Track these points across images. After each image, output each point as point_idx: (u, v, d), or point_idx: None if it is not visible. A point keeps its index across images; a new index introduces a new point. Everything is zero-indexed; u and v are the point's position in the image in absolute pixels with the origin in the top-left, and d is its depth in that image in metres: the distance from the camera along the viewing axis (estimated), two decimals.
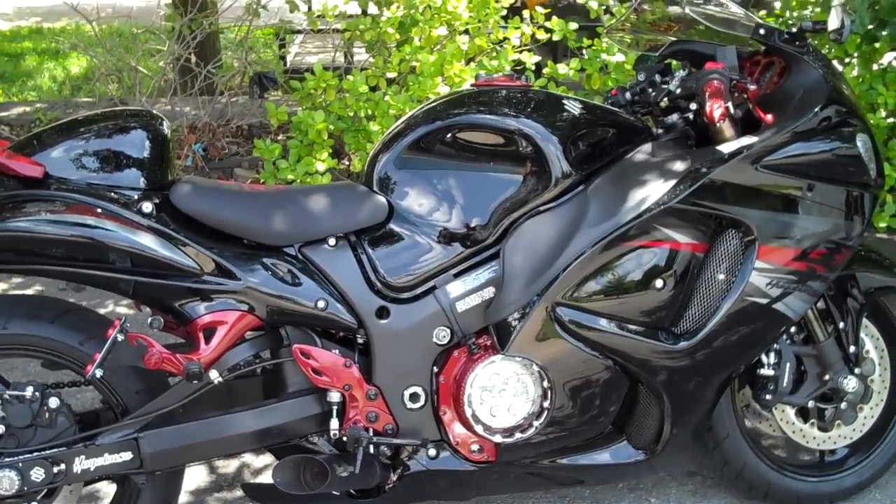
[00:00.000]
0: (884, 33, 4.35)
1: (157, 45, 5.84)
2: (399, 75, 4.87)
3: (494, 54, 4.92)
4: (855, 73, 4.76)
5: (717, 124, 2.55)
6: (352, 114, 4.71)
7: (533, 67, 4.74)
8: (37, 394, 2.42)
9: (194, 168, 5.05)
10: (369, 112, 4.67)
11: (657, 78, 2.82)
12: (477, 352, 2.55)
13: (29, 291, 4.20)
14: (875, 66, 4.79)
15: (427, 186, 2.58)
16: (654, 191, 2.51)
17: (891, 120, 4.72)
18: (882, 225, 4.62)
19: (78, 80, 8.74)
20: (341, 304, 2.52)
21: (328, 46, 8.48)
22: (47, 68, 9.30)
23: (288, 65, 6.97)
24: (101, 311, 3.87)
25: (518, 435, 2.57)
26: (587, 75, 4.69)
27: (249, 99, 5.43)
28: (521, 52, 4.85)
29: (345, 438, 2.53)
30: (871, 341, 2.94)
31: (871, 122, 4.53)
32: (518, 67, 4.79)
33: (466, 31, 4.95)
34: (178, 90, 5.43)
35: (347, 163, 5.23)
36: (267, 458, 3.19)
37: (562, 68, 4.67)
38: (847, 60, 4.88)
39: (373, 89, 4.75)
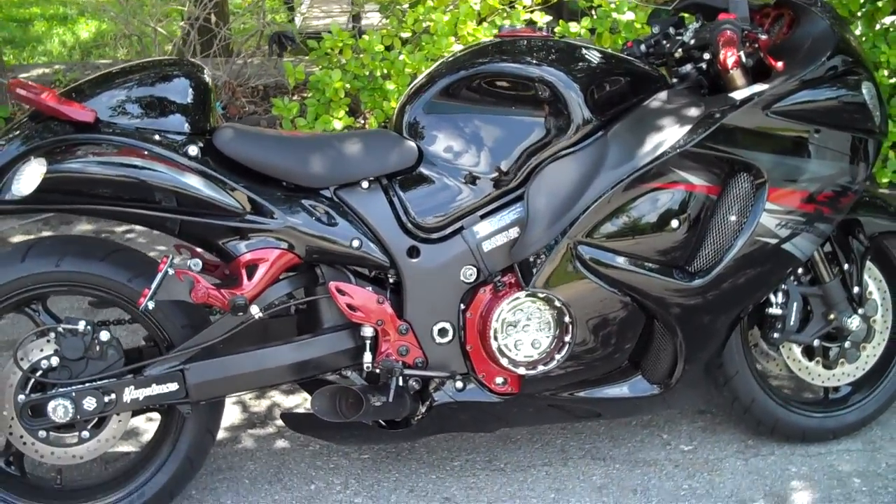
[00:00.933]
0: None
1: (171, 6, 5.93)
2: (413, 35, 4.98)
3: (506, 14, 5.03)
4: (858, 31, 4.87)
5: (730, 72, 2.68)
6: (368, 73, 4.82)
7: (544, 27, 4.84)
8: (88, 327, 2.57)
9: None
10: (385, 71, 4.78)
11: (671, 30, 2.95)
12: (502, 289, 2.69)
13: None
14: (878, 26, 4.90)
15: (454, 132, 2.72)
16: (670, 135, 2.65)
17: (893, 80, 4.83)
18: (884, 180, 4.75)
19: (87, 44, 8.84)
20: (374, 243, 2.66)
21: (335, 10, 8.59)
22: (56, 33, 9.39)
23: (297, 28, 7.07)
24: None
25: (540, 367, 2.72)
26: (597, 34, 4.80)
27: (267, 58, 5.54)
28: (532, 11, 4.96)
29: (377, 371, 2.68)
30: (874, 283, 3.08)
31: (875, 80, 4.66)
32: (529, 27, 4.89)
33: None
34: (196, 51, 5.54)
35: (363, 121, 5.35)
36: (297, 398, 3.35)
37: (573, 27, 4.78)
38: (850, 20, 4.98)
39: (388, 49, 4.86)
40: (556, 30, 4.84)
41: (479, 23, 5.02)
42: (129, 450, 3.05)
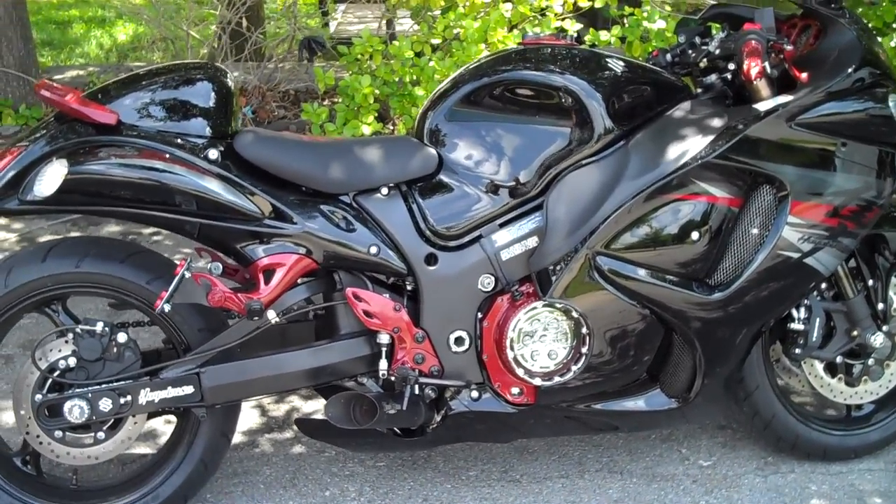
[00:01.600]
0: None
1: (206, 10, 5.98)
2: (443, 41, 4.98)
3: (537, 21, 5.02)
4: (894, 43, 4.81)
5: (754, 83, 2.65)
6: (397, 79, 4.82)
7: (575, 35, 4.81)
8: (106, 329, 2.59)
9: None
10: (414, 77, 4.78)
11: (697, 40, 2.92)
12: (519, 298, 2.68)
13: None
14: None
15: (475, 139, 2.71)
16: (692, 146, 2.62)
17: None
18: None
19: (124, 47, 8.93)
20: (392, 250, 2.66)
21: (368, 17, 8.62)
22: (94, 36, 9.49)
23: (331, 34, 7.10)
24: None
25: (557, 379, 2.70)
26: (628, 43, 4.77)
27: (298, 63, 5.57)
28: (563, 19, 4.94)
29: (393, 378, 2.68)
30: None
31: None
32: (560, 34, 4.88)
33: None
34: (228, 55, 5.57)
35: (392, 127, 5.36)
36: (315, 404, 3.35)
37: (603, 35, 4.75)
38: (886, 31, 4.92)
39: (418, 55, 4.86)
40: (585, 38, 4.82)
41: (510, 30, 5.02)
42: (147, 451, 3.06)
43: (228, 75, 2.71)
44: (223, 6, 5.60)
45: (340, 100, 4.85)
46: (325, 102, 5.49)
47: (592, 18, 5.81)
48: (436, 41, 4.97)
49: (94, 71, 6.19)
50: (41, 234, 4.62)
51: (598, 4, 4.93)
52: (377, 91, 4.78)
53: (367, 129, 4.70)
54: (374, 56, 4.86)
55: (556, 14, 5.02)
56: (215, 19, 5.69)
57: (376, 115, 4.80)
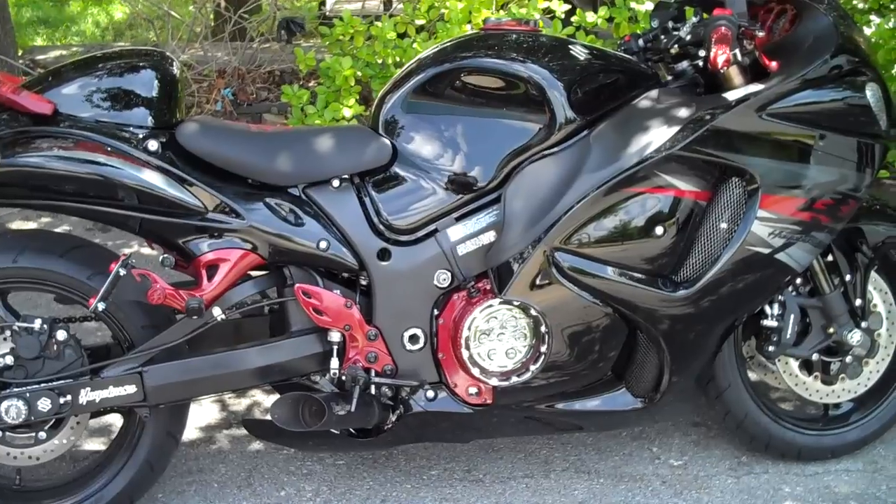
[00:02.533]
0: None
1: None
2: (428, 22, 4.85)
3: (525, 2, 4.88)
4: (891, 24, 4.66)
5: (723, 71, 2.53)
6: (380, 61, 4.71)
7: (562, 15, 4.69)
8: (45, 326, 2.49)
9: (223, 113, 5.10)
10: (397, 59, 4.66)
11: (670, 24, 2.80)
12: (476, 295, 2.58)
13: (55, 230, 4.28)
14: None
15: (431, 130, 2.60)
16: (657, 137, 2.51)
17: None
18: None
19: (121, 25, 8.82)
20: (343, 245, 2.55)
21: None
22: (91, 13, 9.39)
23: (327, 10, 6.98)
24: (127, 250, 3.97)
25: (514, 379, 2.60)
26: (616, 24, 4.64)
27: (279, 44, 5.45)
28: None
29: (344, 378, 2.58)
30: (879, 295, 2.92)
31: None
32: (549, 15, 4.75)
33: None
34: (209, 35, 5.46)
35: None
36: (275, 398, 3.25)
37: (590, 16, 4.62)
38: (884, 12, 4.78)
39: (401, 36, 4.74)
40: (573, 18, 4.69)
41: (499, 10, 4.89)
42: (99, 448, 2.97)
43: (174, 63, 2.60)
44: None
45: (322, 82, 4.74)
46: (309, 84, 5.38)
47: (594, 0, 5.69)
48: (420, 22, 4.85)
49: (77, 51, 6.08)
50: (11, 220, 4.52)
51: None
52: (359, 73, 4.66)
53: (348, 112, 4.59)
54: (356, 37, 4.74)
55: None
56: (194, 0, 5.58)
57: (358, 97, 4.69)
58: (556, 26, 4.43)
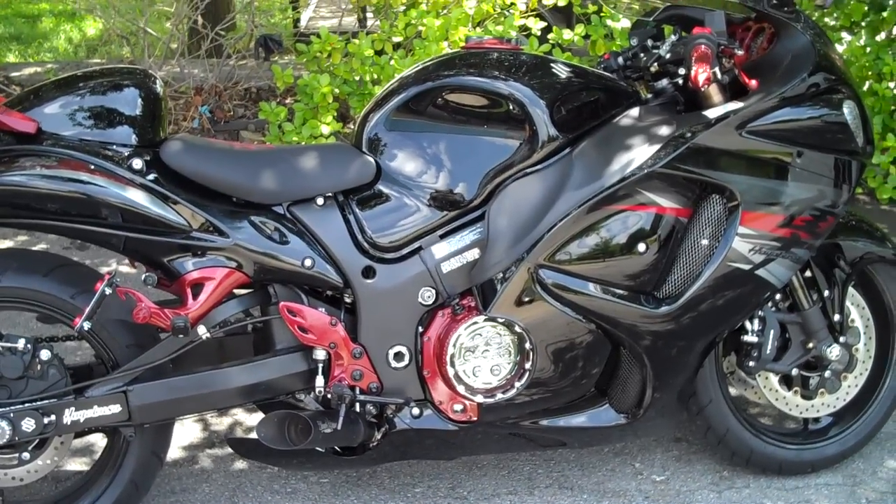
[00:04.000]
0: (891, 2, 4.32)
1: (166, 7, 5.86)
2: (405, 39, 4.87)
3: (501, 19, 4.91)
4: (862, 41, 4.73)
5: (703, 89, 2.56)
6: (357, 78, 4.72)
7: (538, 33, 4.73)
8: (28, 346, 2.48)
9: (200, 130, 5.09)
10: (375, 76, 4.68)
11: (649, 43, 2.83)
12: (460, 312, 2.59)
13: (35, 249, 4.26)
14: (883, 36, 4.75)
15: (415, 148, 2.61)
16: (638, 155, 2.53)
17: None
18: (885, 196, 4.61)
19: (94, 41, 8.78)
20: (328, 262, 2.56)
21: (340, 11, 8.50)
22: (63, 30, 9.35)
23: (302, 27, 6.98)
24: (105, 269, 3.95)
25: (499, 395, 2.61)
26: (592, 41, 4.69)
27: (256, 61, 5.45)
28: (527, 17, 4.84)
29: (329, 396, 2.58)
30: (856, 310, 2.95)
31: (878, 92, 4.53)
32: (525, 33, 4.79)
33: None
34: (186, 52, 5.45)
35: (353, 126, 5.24)
36: (259, 417, 3.23)
37: (566, 34, 4.66)
38: (854, 30, 4.85)
39: (378, 53, 4.76)
40: (549, 36, 4.73)
41: (474, 28, 4.91)
42: (82, 468, 2.95)
43: (157, 81, 2.61)
44: (179, 2, 5.48)
45: (300, 99, 4.75)
46: (287, 101, 5.38)
47: (567, 15, 5.73)
48: (397, 39, 4.87)
49: (52, 69, 6.07)
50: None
51: (561, 3, 4.83)
52: (337, 90, 4.68)
53: (326, 129, 4.60)
54: (333, 54, 4.76)
55: (520, 12, 4.92)
56: (173, 16, 5.57)
57: (336, 114, 4.70)
58: (532, 44, 4.46)
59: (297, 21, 7.38)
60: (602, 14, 4.73)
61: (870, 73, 4.64)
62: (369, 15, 6.31)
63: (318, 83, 4.61)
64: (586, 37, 4.72)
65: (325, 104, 4.66)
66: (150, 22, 5.70)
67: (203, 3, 5.31)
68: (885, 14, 4.64)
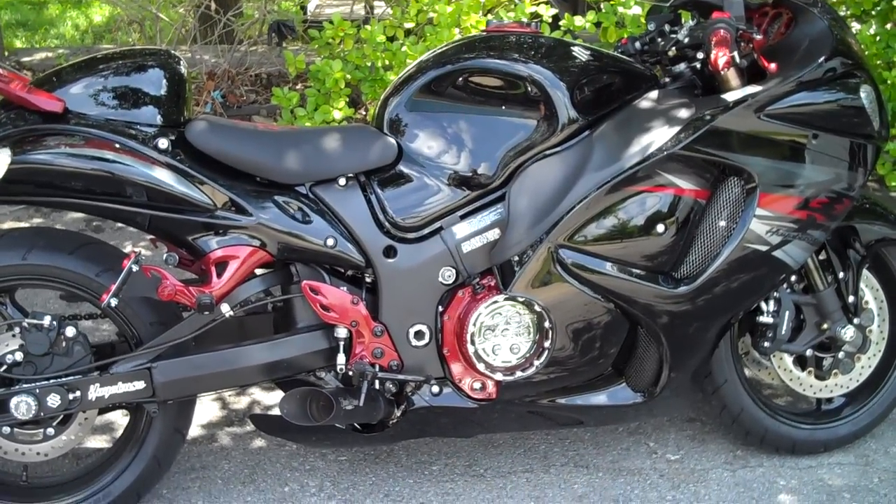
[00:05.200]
0: None
1: None
2: (417, 26, 4.89)
3: (512, 6, 4.93)
4: (872, 30, 4.75)
5: (722, 72, 2.59)
6: (369, 63, 4.74)
7: (549, 20, 4.75)
8: (54, 323, 2.51)
9: (213, 115, 5.11)
10: (387, 62, 4.70)
11: (666, 28, 2.85)
12: (481, 292, 2.62)
13: None
14: (892, 24, 4.78)
15: (436, 129, 2.64)
16: (658, 137, 2.56)
17: None
18: (894, 184, 4.64)
19: (100, 28, 8.80)
20: (350, 242, 2.59)
21: None
22: (70, 16, 9.36)
23: (308, 16, 7.00)
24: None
25: (518, 374, 2.64)
26: (603, 28, 4.70)
27: (268, 47, 5.48)
28: (538, 4, 4.86)
29: (351, 373, 2.61)
30: (870, 292, 2.98)
31: (888, 80, 4.55)
32: (535, 20, 4.81)
33: None
34: (197, 38, 5.48)
35: (364, 112, 5.28)
36: (277, 395, 3.27)
37: (578, 21, 4.68)
38: (864, 19, 4.87)
39: (390, 39, 4.78)
40: (561, 23, 4.75)
41: (485, 15, 4.93)
42: (103, 446, 2.99)
43: (181, 62, 2.63)
44: None
45: (312, 84, 4.77)
46: (298, 87, 5.40)
47: (574, 3, 5.75)
48: (409, 25, 4.89)
49: (63, 53, 6.09)
50: (3, 221, 4.52)
51: None
52: (349, 76, 4.70)
53: (338, 115, 4.62)
54: (345, 40, 4.78)
55: None
56: (184, 1, 5.59)
57: (348, 100, 4.72)
58: (544, 29, 4.48)
59: (304, 8, 7.39)
60: (613, 1, 4.75)
61: (880, 61, 4.66)
62: (380, 3, 6.33)
63: (330, 69, 4.62)
64: (598, 24, 4.74)
65: (337, 90, 4.67)
66: (160, 8, 5.71)
67: None
68: (895, 2, 4.65)
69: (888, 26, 4.75)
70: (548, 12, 4.79)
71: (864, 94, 2.70)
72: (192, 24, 5.48)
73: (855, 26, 4.83)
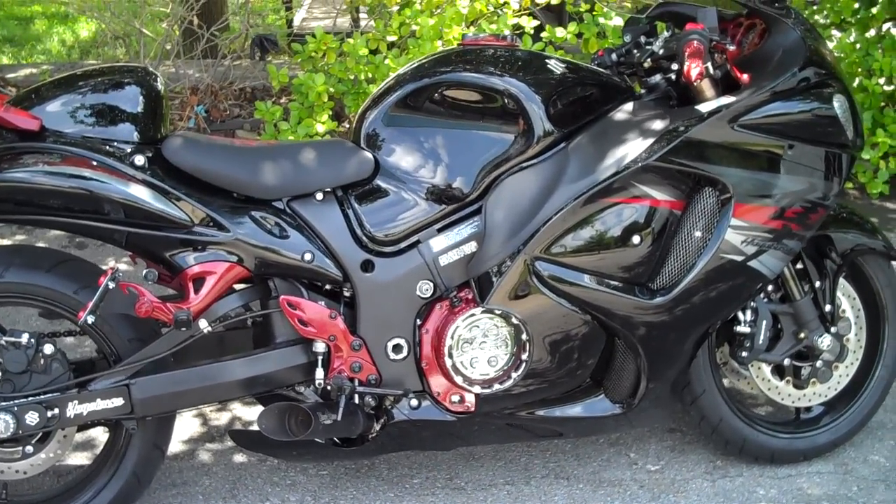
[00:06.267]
0: None
1: (162, 8, 5.90)
2: (399, 39, 4.91)
3: (494, 18, 4.95)
4: (852, 38, 4.78)
5: (696, 83, 2.61)
6: (352, 77, 4.76)
7: (532, 31, 4.78)
8: (32, 340, 2.51)
9: (196, 130, 5.12)
10: (369, 75, 4.72)
11: (642, 39, 2.87)
12: (458, 304, 2.62)
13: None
14: (873, 32, 4.81)
15: (412, 143, 2.65)
16: (633, 148, 2.58)
17: (888, 87, 4.74)
18: (875, 192, 4.67)
19: (87, 43, 8.80)
20: (327, 256, 2.60)
21: (334, 11, 8.55)
22: (56, 32, 9.36)
23: (293, 29, 7.01)
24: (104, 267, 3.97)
25: (497, 386, 2.65)
26: (584, 39, 4.73)
27: (252, 61, 5.49)
28: (520, 15, 4.89)
29: (329, 388, 2.61)
30: (847, 301, 3.00)
31: (868, 88, 4.58)
32: (518, 31, 4.83)
33: None
34: (181, 53, 5.49)
35: (348, 125, 5.29)
36: (257, 410, 3.24)
37: (559, 32, 4.70)
38: (844, 27, 4.90)
39: (373, 52, 4.79)
40: (542, 35, 4.77)
41: (467, 26, 4.96)
42: (82, 463, 2.99)
43: (159, 79, 2.64)
44: (176, 3, 5.52)
45: (295, 98, 4.78)
46: (282, 101, 5.41)
47: (559, 15, 5.77)
48: (391, 38, 4.91)
49: (47, 69, 6.09)
50: None
51: (553, 1, 4.87)
52: (332, 89, 4.71)
53: (321, 128, 4.63)
54: (328, 54, 4.79)
55: (513, 11, 4.96)
56: (168, 16, 5.60)
57: (331, 113, 4.74)
58: (526, 42, 4.50)
59: (290, 22, 7.41)
60: (595, 12, 4.77)
61: (860, 69, 4.70)
62: (363, 15, 6.36)
63: (313, 82, 4.64)
64: (579, 35, 4.76)
65: (320, 103, 4.69)
66: (144, 23, 5.72)
67: (198, 4, 5.34)
68: (874, 11, 4.69)
69: (868, 34, 4.78)
70: (530, 24, 4.81)
71: (838, 103, 2.72)
72: (175, 39, 5.48)
73: (835, 34, 4.87)
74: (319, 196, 2.61)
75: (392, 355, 2.64)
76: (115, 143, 2.50)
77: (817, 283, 2.92)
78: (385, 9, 5.19)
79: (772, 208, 2.66)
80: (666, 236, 2.65)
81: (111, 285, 2.44)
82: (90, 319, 2.44)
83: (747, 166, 2.64)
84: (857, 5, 4.63)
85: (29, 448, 2.57)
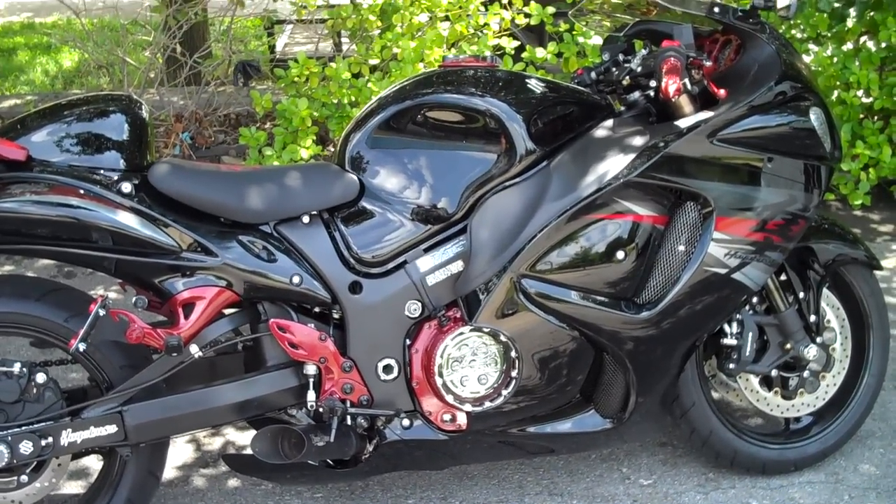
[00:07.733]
0: (851, 11, 4.43)
1: (145, 37, 5.92)
2: (381, 62, 4.95)
3: (475, 39, 5.00)
4: (828, 52, 4.84)
5: (674, 100, 2.65)
6: (335, 101, 4.80)
7: (513, 52, 4.82)
8: (24, 370, 2.52)
9: (182, 157, 5.14)
10: (352, 99, 4.76)
11: (620, 57, 2.90)
12: (447, 324, 2.65)
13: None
14: (849, 46, 4.87)
15: (397, 165, 2.68)
16: (614, 165, 2.61)
17: (866, 100, 4.80)
18: (857, 203, 4.72)
19: (70, 73, 8.81)
20: (316, 279, 2.61)
21: (316, 36, 8.59)
22: (39, 63, 9.37)
23: (277, 54, 7.05)
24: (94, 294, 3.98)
25: (487, 404, 2.67)
26: (564, 59, 4.78)
27: (234, 87, 5.51)
28: (500, 37, 4.93)
29: (321, 410, 2.63)
30: (832, 311, 3.04)
31: (846, 101, 4.64)
32: (498, 52, 4.88)
33: (447, 17, 5.04)
34: (165, 80, 5.51)
35: (332, 149, 5.31)
36: (251, 434, 3.27)
37: (539, 52, 4.75)
38: (820, 40, 4.96)
39: (356, 76, 4.83)
40: (523, 55, 4.81)
41: (448, 49, 5.00)
42: (77, 491, 2.99)
43: (143, 107, 2.66)
44: (157, 32, 5.54)
45: (279, 123, 4.81)
46: (266, 126, 5.44)
47: (539, 35, 5.82)
48: (374, 61, 4.95)
49: (31, 100, 6.11)
50: None
51: (533, 22, 4.92)
52: (315, 113, 4.75)
53: (305, 153, 4.66)
54: (311, 78, 4.83)
55: (493, 32, 5.01)
56: (151, 45, 5.63)
57: (315, 137, 4.77)
58: (506, 63, 4.55)
59: (272, 47, 7.45)
60: (574, 32, 4.82)
61: (837, 82, 4.76)
62: (345, 40, 6.40)
63: (296, 107, 4.68)
64: (559, 54, 4.81)
65: (304, 128, 4.73)
66: (127, 52, 5.74)
67: (181, 32, 5.37)
68: (849, 24, 4.75)
69: (845, 48, 4.84)
70: (510, 44, 4.86)
71: (814, 116, 2.76)
72: (159, 66, 5.50)
73: (812, 49, 4.93)
74: (306, 219, 2.63)
75: (383, 376, 2.66)
76: (102, 172, 2.52)
77: (801, 295, 2.95)
78: (366, 33, 5.23)
79: (753, 221, 2.70)
80: (650, 251, 2.68)
81: (101, 312, 2.46)
82: (81, 347, 2.45)
83: (728, 180, 2.67)
84: (830, 21, 4.69)
85: (24, 477, 2.57)
